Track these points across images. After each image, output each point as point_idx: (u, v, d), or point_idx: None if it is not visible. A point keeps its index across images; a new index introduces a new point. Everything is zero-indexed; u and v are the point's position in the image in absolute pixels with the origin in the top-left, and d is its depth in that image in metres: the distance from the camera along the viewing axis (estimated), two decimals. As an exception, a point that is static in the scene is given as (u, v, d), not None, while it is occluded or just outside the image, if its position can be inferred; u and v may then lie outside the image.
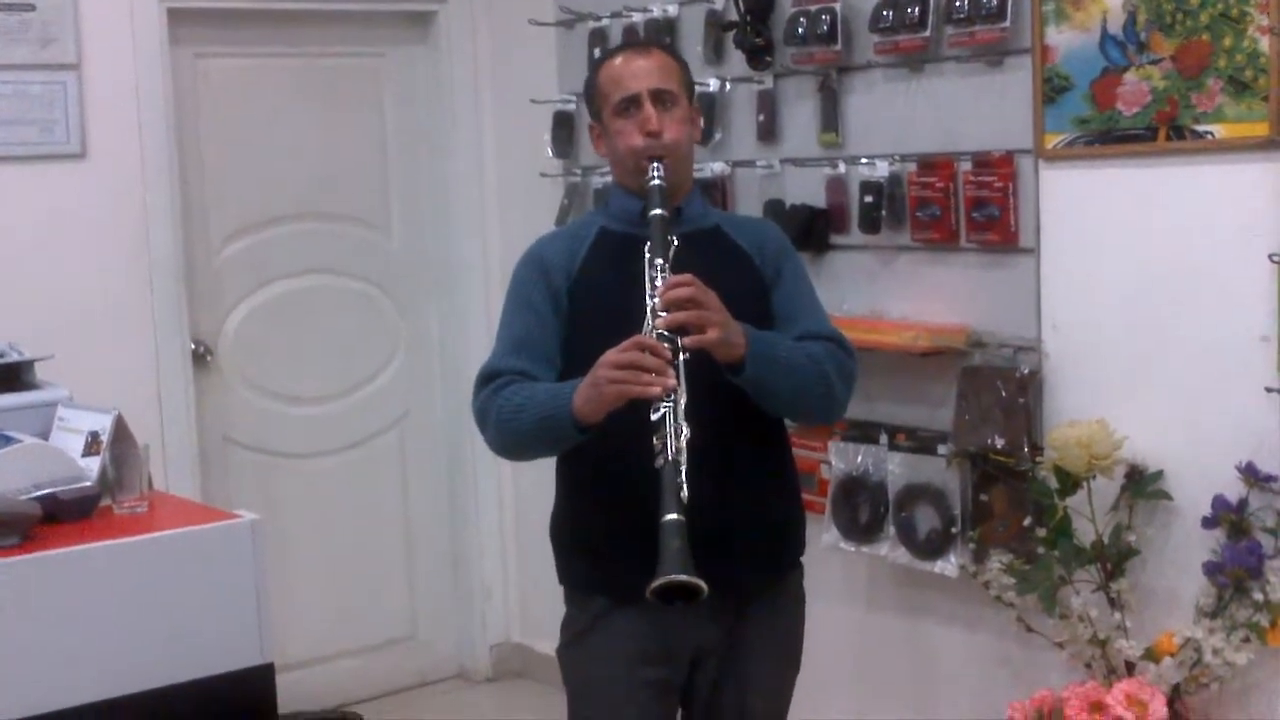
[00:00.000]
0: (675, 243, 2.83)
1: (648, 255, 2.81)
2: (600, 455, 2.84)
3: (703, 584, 2.51)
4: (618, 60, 2.98)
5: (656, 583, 2.52)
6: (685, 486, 2.59)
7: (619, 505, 2.83)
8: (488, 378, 2.94)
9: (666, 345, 2.69)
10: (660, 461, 2.62)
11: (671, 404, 2.64)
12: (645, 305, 2.76)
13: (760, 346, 2.81)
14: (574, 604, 3.05)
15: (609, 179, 3.11)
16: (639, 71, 2.93)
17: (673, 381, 2.65)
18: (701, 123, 3.46)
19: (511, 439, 2.90)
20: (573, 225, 3.23)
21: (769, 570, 3.02)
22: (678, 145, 2.93)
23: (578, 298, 2.94)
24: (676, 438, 2.62)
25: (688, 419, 2.66)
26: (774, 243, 3.09)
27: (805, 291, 3.07)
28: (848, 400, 3.03)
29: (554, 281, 2.95)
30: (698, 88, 4.24)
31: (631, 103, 2.92)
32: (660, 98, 2.92)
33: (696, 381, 2.71)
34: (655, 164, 2.88)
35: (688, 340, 2.70)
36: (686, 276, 2.75)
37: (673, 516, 2.57)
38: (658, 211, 2.85)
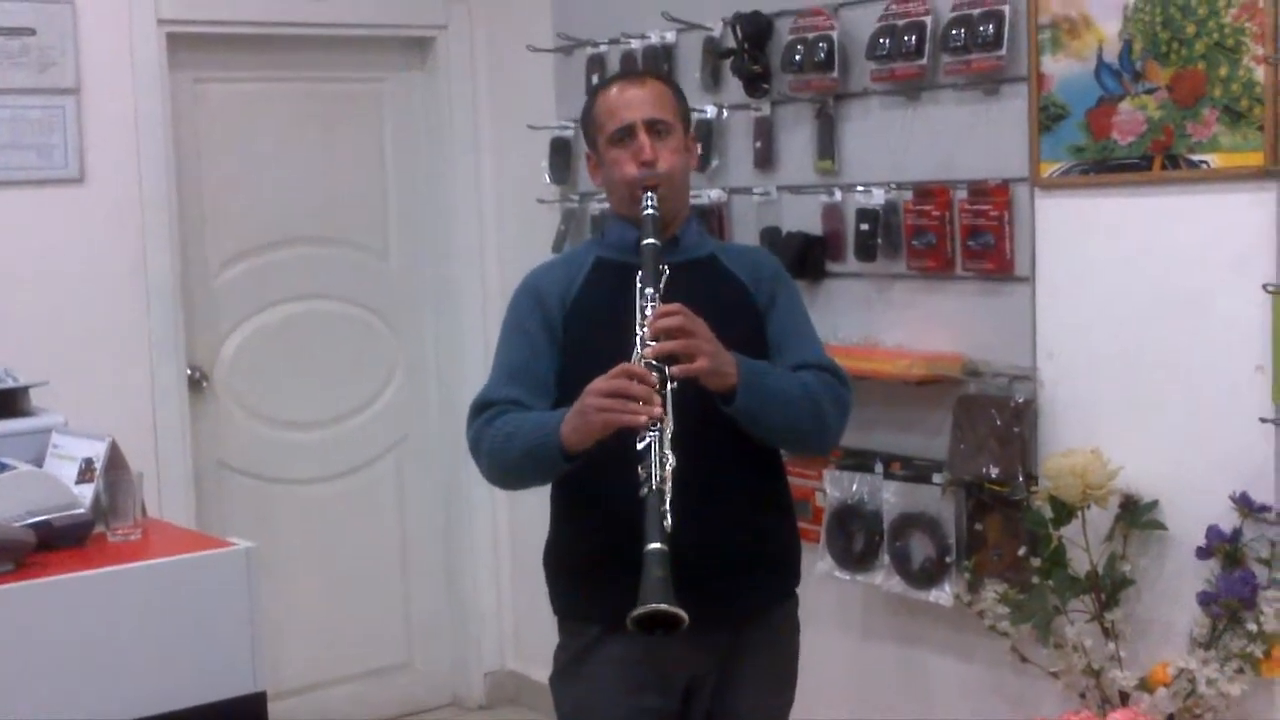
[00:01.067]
0: (667, 272, 2.84)
1: (639, 284, 2.81)
2: (592, 483, 2.84)
3: (683, 614, 2.51)
4: (613, 90, 2.99)
5: (637, 612, 2.51)
6: (669, 516, 2.59)
7: (610, 533, 2.83)
8: (481, 407, 2.95)
9: (654, 374, 2.69)
10: (644, 491, 2.62)
11: (657, 433, 2.64)
12: (637, 334, 2.77)
13: (751, 376, 2.81)
14: (566, 632, 3.04)
15: (606, 206, 3.12)
16: (633, 101, 2.94)
17: (659, 410, 2.65)
18: (699, 150, 3.46)
19: (502, 467, 2.91)
20: (569, 254, 3.24)
21: (764, 599, 3.02)
22: (672, 175, 2.94)
23: (573, 326, 2.95)
24: (661, 467, 2.62)
25: (684, 448, 2.66)
26: (769, 271, 3.09)
27: (800, 320, 3.07)
28: (842, 430, 3.03)
29: (549, 310, 2.96)
30: (695, 114, 4.26)
31: (626, 132, 2.93)
32: (655, 127, 2.93)
33: (691, 411, 2.72)
34: (649, 193, 2.89)
35: (675, 369, 2.71)
36: (675, 306, 2.75)
37: (655, 546, 2.56)
38: (650, 240, 2.86)
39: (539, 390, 2.93)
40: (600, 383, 2.70)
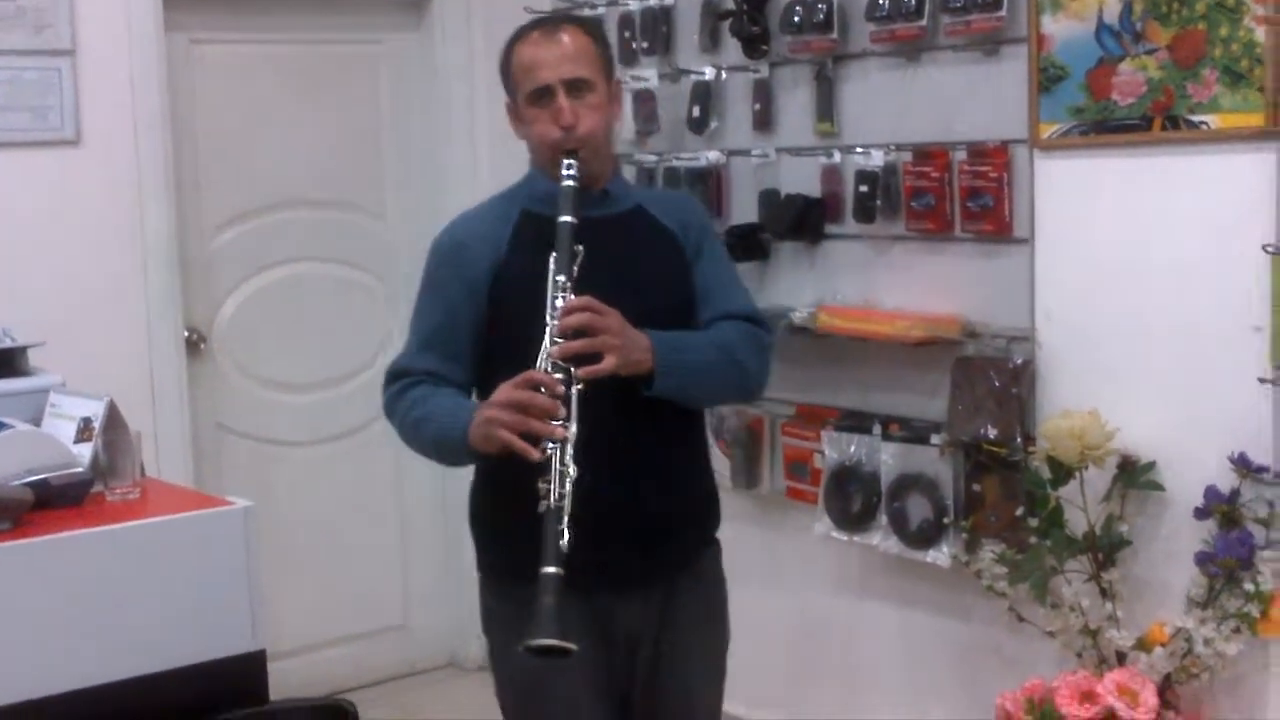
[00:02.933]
0: (581, 253, 2.74)
1: (551, 269, 2.73)
2: None
3: (573, 646, 2.49)
4: (528, 45, 2.87)
5: (531, 643, 2.49)
6: (567, 534, 2.55)
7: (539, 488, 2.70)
8: (395, 375, 2.92)
9: (560, 377, 2.64)
10: (543, 507, 2.58)
11: (558, 446, 2.60)
12: (547, 324, 2.70)
13: (667, 356, 2.77)
14: (497, 593, 3.04)
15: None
16: (549, 60, 2.83)
17: (560, 431, 2.60)
18: (623, 96, 3.36)
19: (413, 447, 2.91)
20: (491, 206, 3.03)
21: (691, 550, 3.00)
22: (594, 135, 2.84)
23: (501, 285, 2.86)
24: (561, 483, 2.58)
25: (602, 412, 2.65)
26: (696, 221, 3.02)
27: (724, 269, 3.03)
28: (766, 373, 3.00)
29: (476, 271, 2.88)
30: (693, 77, 4.27)
31: (544, 93, 2.83)
32: (574, 86, 2.82)
33: (606, 379, 2.68)
34: (569, 160, 2.80)
35: (582, 371, 2.65)
36: (583, 301, 2.69)
37: (550, 570, 2.53)
38: (566, 219, 2.76)
39: (455, 357, 2.88)
40: (505, 391, 2.65)
